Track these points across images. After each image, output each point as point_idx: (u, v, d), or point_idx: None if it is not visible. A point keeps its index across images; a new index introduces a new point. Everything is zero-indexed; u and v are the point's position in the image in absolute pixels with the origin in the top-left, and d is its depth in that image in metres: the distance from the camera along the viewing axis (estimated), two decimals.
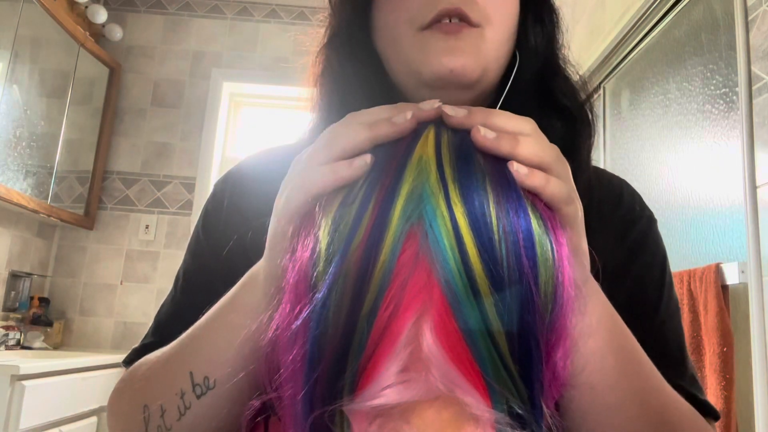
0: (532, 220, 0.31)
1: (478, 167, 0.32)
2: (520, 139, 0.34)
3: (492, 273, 0.29)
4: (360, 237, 0.30)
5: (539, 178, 0.34)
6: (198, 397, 0.42)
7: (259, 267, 0.41)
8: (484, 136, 0.34)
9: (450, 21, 0.49)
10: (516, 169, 0.33)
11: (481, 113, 0.35)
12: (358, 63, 0.54)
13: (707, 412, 0.50)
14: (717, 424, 0.72)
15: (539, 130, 0.37)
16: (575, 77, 0.57)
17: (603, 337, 0.38)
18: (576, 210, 0.36)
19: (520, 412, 0.29)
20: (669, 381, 0.44)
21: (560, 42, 0.58)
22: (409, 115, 0.35)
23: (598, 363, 0.38)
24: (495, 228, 0.30)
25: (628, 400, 0.40)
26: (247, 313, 0.39)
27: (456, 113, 0.35)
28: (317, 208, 0.34)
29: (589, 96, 0.58)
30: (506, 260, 0.30)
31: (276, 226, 0.38)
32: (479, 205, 0.30)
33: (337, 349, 0.30)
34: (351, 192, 0.32)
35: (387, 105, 0.37)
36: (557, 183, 0.34)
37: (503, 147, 0.34)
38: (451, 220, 0.30)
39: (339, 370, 0.30)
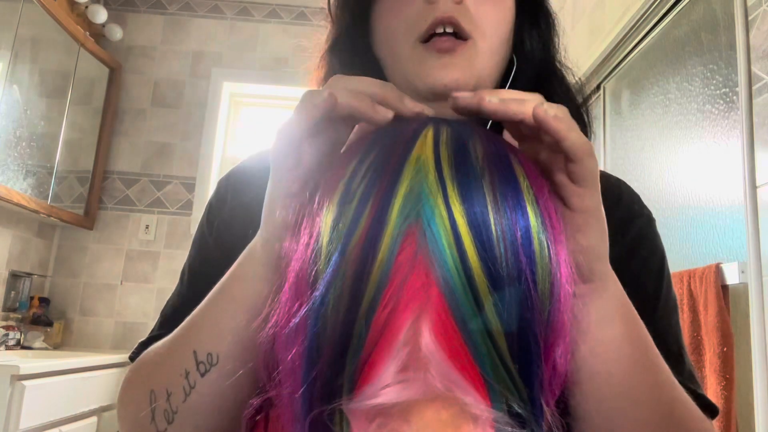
0: (530, 218, 0.31)
1: (477, 166, 0.32)
2: (527, 101, 0.35)
3: (491, 272, 0.29)
4: (358, 236, 0.30)
5: (565, 122, 0.33)
6: (202, 375, 0.42)
7: (255, 240, 0.42)
8: (489, 101, 0.35)
9: (444, 31, 0.50)
10: (545, 108, 0.33)
11: (486, 92, 0.37)
12: (359, 69, 0.56)
13: (705, 407, 0.50)
14: (717, 423, 0.71)
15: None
16: (572, 80, 0.58)
17: (621, 324, 0.39)
18: (596, 164, 0.36)
19: (519, 411, 0.29)
20: None
21: (557, 45, 0.59)
22: (390, 115, 0.37)
23: (616, 351, 0.39)
24: (493, 226, 0.30)
25: (643, 390, 0.40)
26: (247, 284, 0.41)
27: (463, 97, 0.37)
28: (316, 205, 0.34)
29: (586, 99, 0.59)
30: (505, 259, 0.30)
31: (269, 199, 0.40)
32: (478, 204, 0.30)
33: (335, 347, 0.30)
34: (350, 190, 0.32)
35: (376, 80, 0.39)
36: (579, 133, 0.34)
37: (511, 107, 0.35)
38: (449, 219, 0.30)
39: (337, 368, 0.30)
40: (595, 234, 0.37)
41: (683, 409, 0.44)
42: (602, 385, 0.39)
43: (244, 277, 0.42)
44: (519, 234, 0.30)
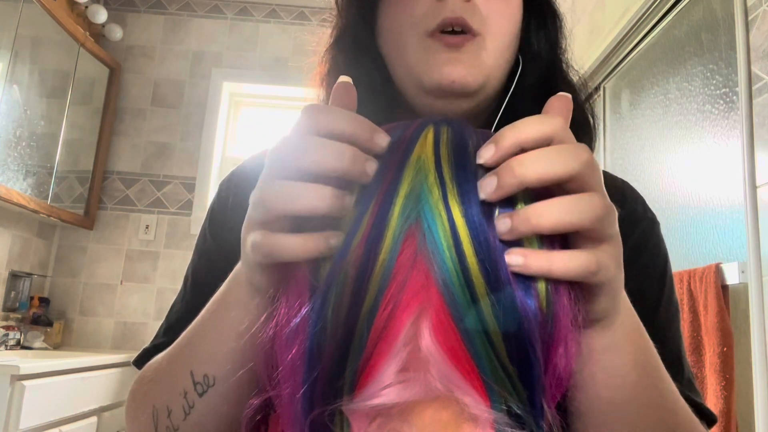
0: None
1: (478, 167, 0.32)
2: (522, 163, 0.30)
3: (488, 273, 0.29)
4: (360, 236, 0.30)
5: (539, 261, 0.29)
6: (200, 395, 0.42)
7: (240, 268, 0.41)
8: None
9: (452, 30, 0.50)
10: (508, 261, 0.30)
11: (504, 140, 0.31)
12: (363, 65, 0.55)
13: (703, 415, 0.50)
14: (717, 424, 0.70)
15: (563, 130, 0.32)
16: (576, 79, 0.58)
17: (628, 352, 0.37)
18: (606, 276, 0.32)
19: (518, 412, 0.29)
20: None
21: (563, 46, 0.58)
22: (372, 170, 0.32)
23: (620, 378, 0.38)
24: (489, 230, 0.30)
25: (644, 416, 0.39)
26: (238, 311, 0.40)
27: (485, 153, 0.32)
28: None
29: (589, 96, 0.58)
30: (503, 261, 0.30)
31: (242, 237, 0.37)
32: (477, 204, 0.30)
33: (336, 348, 0.30)
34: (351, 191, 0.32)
35: (347, 128, 0.32)
36: (568, 257, 0.30)
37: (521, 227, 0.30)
38: (448, 220, 0.30)
39: (339, 369, 0.30)
40: (602, 307, 0.35)
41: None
42: (603, 407, 0.39)
43: (231, 303, 0.41)
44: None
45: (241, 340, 0.39)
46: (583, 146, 0.31)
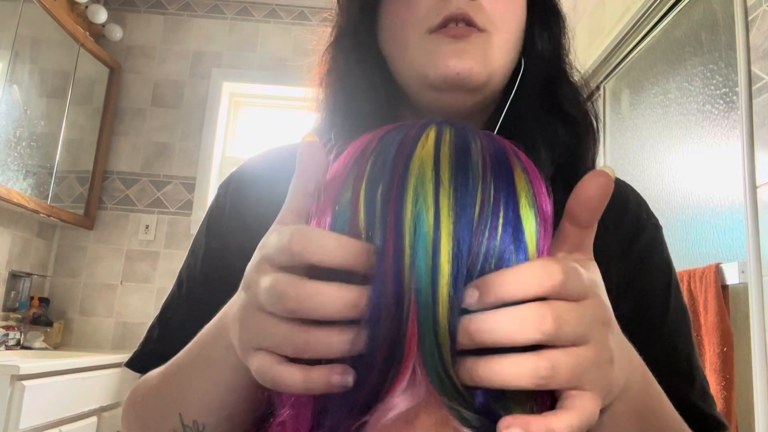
0: (525, 233, 0.31)
1: (478, 170, 0.32)
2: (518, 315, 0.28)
3: (457, 282, 0.29)
4: (389, 253, 0.30)
5: (539, 427, 0.27)
6: None
7: (229, 322, 0.36)
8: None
9: (457, 25, 0.49)
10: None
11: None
12: (364, 64, 0.55)
13: (715, 426, 0.49)
14: None
15: (562, 286, 0.29)
16: (578, 79, 0.57)
17: (630, 422, 0.35)
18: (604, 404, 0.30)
19: (470, 421, 0.29)
20: (677, 395, 0.42)
21: (566, 48, 0.58)
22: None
23: None
24: (476, 243, 0.29)
25: None
26: (227, 371, 0.38)
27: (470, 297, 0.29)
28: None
29: (590, 96, 0.58)
30: (476, 275, 0.29)
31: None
32: (467, 214, 0.30)
33: (383, 363, 0.29)
34: (373, 203, 0.32)
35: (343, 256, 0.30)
36: (563, 416, 0.28)
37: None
38: (434, 226, 0.29)
39: (378, 389, 0.30)
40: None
41: None
42: None
43: (220, 364, 0.38)
44: (494, 260, 0.30)
45: (231, 397, 0.38)
46: (553, 312, 0.28)
